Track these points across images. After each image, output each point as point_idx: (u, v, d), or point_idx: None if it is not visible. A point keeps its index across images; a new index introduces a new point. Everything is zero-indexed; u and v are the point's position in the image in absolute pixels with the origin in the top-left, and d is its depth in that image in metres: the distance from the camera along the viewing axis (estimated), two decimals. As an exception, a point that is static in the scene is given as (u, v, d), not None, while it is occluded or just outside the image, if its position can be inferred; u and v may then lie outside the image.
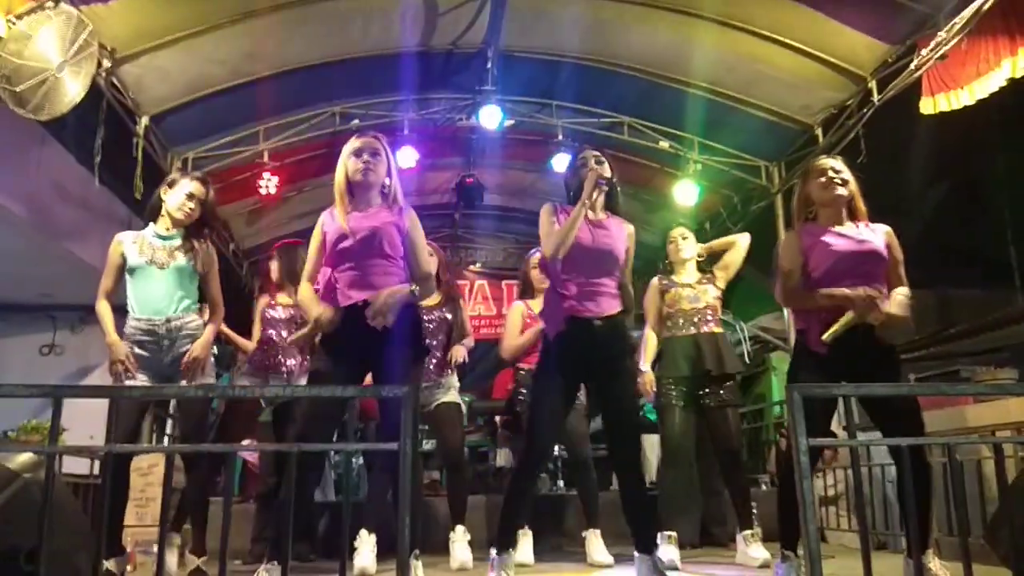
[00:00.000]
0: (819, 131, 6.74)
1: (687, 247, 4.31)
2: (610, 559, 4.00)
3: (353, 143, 3.12)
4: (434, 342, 4.23)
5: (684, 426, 4.06)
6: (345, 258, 2.98)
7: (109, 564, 2.93)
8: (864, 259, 2.92)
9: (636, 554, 3.03)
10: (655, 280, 4.33)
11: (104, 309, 3.36)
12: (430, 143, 7.56)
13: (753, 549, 3.81)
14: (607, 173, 3.25)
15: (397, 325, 2.94)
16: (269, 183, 7.18)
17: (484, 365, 10.25)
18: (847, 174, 3.04)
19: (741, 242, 4.31)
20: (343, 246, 2.97)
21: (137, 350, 3.29)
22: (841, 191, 2.99)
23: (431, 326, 4.26)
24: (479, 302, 11.25)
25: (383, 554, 3.95)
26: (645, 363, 4.22)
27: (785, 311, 7.24)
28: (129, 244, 3.40)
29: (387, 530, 4.09)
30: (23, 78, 4.68)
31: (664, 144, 7.25)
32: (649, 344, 4.30)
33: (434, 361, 4.22)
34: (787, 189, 7.17)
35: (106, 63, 5.39)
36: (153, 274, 3.34)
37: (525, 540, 4.22)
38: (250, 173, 7.27)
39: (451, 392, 4.26)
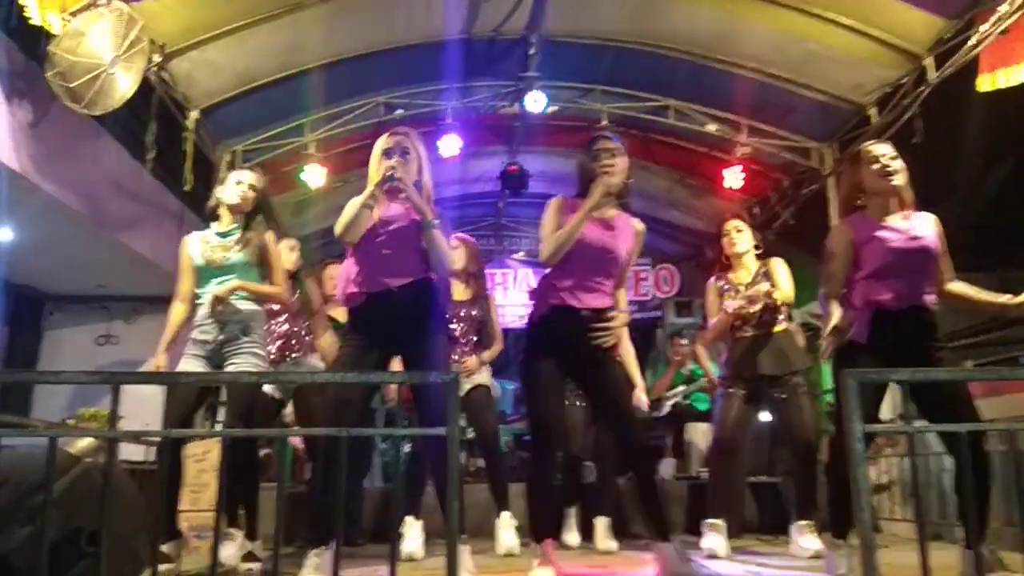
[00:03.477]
0: (872, 111, 6.54)
1: (742, 240, 4.18)
2: (615, 546, 4.14)
3: (384, 142, 3.10)
4: (460, 333, 4.24)
5: (739, 417, 4.00)
6: (376, 246, 2.98)
7: (166, 547, 3.00)
8: (916, 256, 2.86)
9: (655, 542, 2.96)
10: (713, 281, 4.22)
11: (175, 313, 3.47)
12: (473, 131, 7.55)
13: (805, 539, 3.74)
14: (618, 181, 3.10)
15: (427, 311, 2.95)
16: (316, 175, 7.27)
17: (529, 353, 10.30)
18: (899, 162, 2.94)
19: (783, 295, 4.07)
20: (374, 234, 2.98)
21: (197, 334, 3.39)
22: (896, 181, 2.91)
23: (460, 318, 4.26)
24: (523, 291, 11.24)
25: (429, 539, 4.00)
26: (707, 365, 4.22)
27: (836, 297, 7.09)
28: (193, 244, 3.50)
29: (432, 516, 4.14)
30: (77, 74, 4.80)
31: (711, 127, 7.12)
32: (700, 356, 4.31)
33: (465, 351, 4.24)
34: (839, 172, 7.00)
35: (156, 58, 5.50)
36: (213, 273, 3.42)
37: (570, 519, 4.26)
38: (297, 165, 7.36)
39: (483, 374, 4.27)
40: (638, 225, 3.19)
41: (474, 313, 4.30)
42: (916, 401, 2.82)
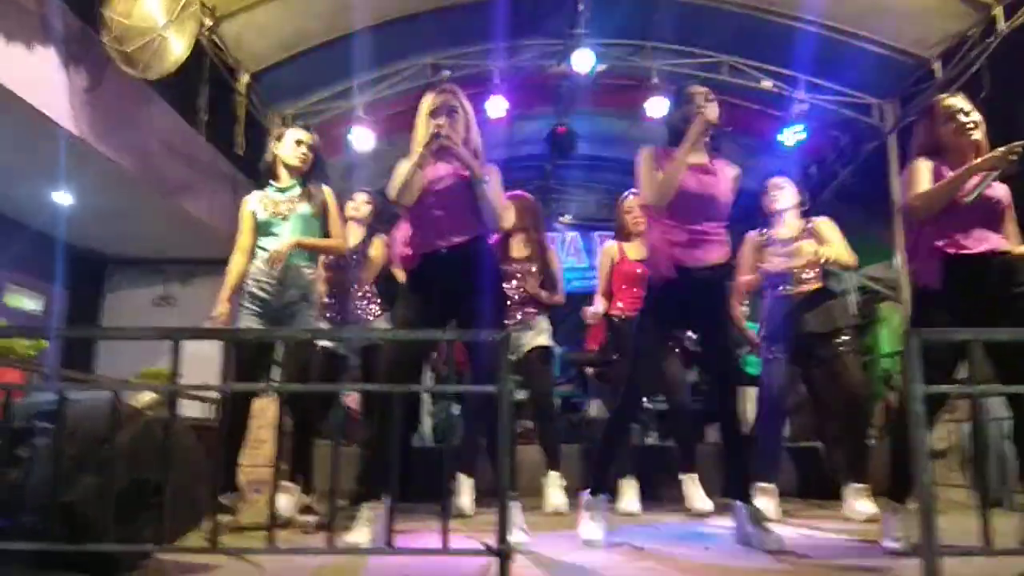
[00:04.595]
0: (937, 65, 6.28)
1: (783, 197, 4.06)
2: (710, 506, 3.95)
3: (430, 100, 3.07)
4: (519, 295, 4.23)
5: (785, 380, 3.93)
6: (426, 207, 2.98)
7: (225, 499, 3.10)
8: (987, 203, 2.73)
9: (736, 503, 2.97)
10: (753, 234, 4.11)
11: (235, 263, 3.55)
12: (520, 92, 7.46)
13: (861, 503, 3.69)
14: (715, 115, 3.08)
15: (482, 272, 2.94)
16: (364, 137, 7.29)
17: (576, 317, 10.26)
18: (977, 115, 2.81)
19: (843, 258, 3.86)
20: (424, 195, 2.97)
21: (255, 290, 3.45)
22: (976, 136, 2.78)
23: (518, 277, 4.25)
24: (571, 254, 11.19)
25: (478, 498, 4.05)
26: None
27: (895, 258, 6.89)
28: (255, 203, 3.58)
29: (481, 475, 4.19)
30: (131, 39, 4.87)
31: (767, 84, 6.92)
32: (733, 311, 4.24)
33: (523, 311, 4.23)
34: (901, 128, 6.76)
35: (207, 22, 5.54)
36: (278, 225, 3.51)
37: (631, 489, 4.22)
38: (346, 128, 7.39)
39: (542, 335, 4.25)
40: (734, 170, 3.15)
41: (534, 269, 4.29)
42: (994, 361, 2.73)
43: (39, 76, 5.01)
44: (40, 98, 5.00)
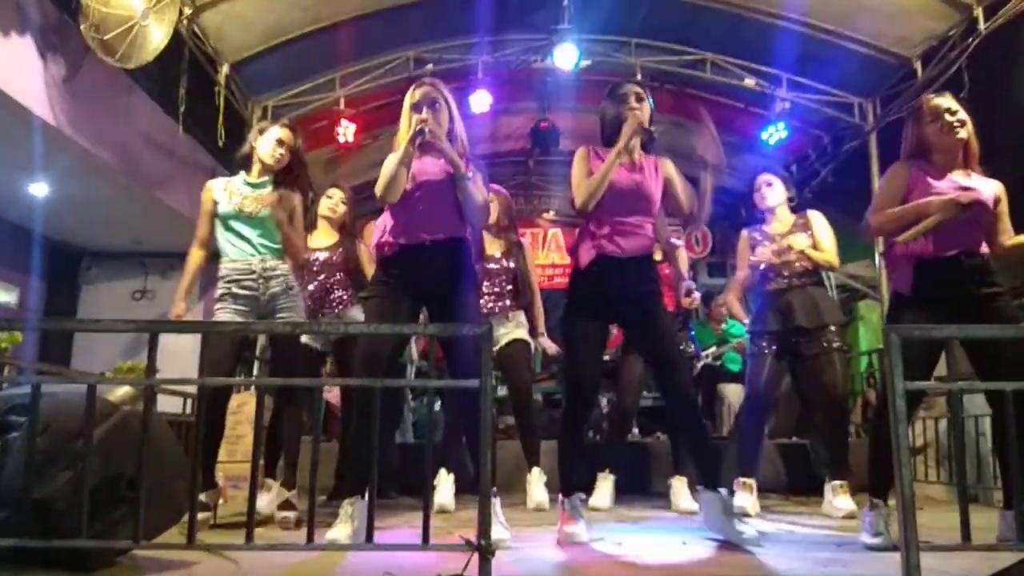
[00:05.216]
0: (918, 64, 6.34)
1: (772, 194, 4.10)
2: (695, 506, 3.95)
3: (412, 95, 3.05)
4: (496, 289, 4.22)
5: (771, 375, 3.95)
6: (411, 201, 2.95)
7: (202, 495, 3.06)
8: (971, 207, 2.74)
9: (700, 490, 2.97)
10: (745, 232, 4.15)
11: (193, 259, 3.45)
12: (504, 87, 7.45)
13: (840, 500, 3.71)
14: (647, 117, 3.06)
15: (459, 269, 2.94)
16: (346, 130, 7.25)
17: (559, 313, 10.26)
18: (963, 113, 2.82)
19: (827, 259, 3.96)
20: (409, 189, 2.95)
21: (237, 289, 3.37)
22: (962, 135, 2.80)
23: (492, 273, 4.24)
24: (553, 250, 11.17)
25: (459, 494, 4.04)
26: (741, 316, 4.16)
27: (876, 257, 6.95)
28: (220, 191, 3.47)
29: (462, 471, 4.18)
30: (110, 26, 4.79)
31: (750, 82, 6.94)
32: (732, 306, 4.26)
33: (500, 305, 4.22)
34: (882, 127, 6.81)
35: (187, 10, 5.47)
36: (242, 221, 3.41)
37: (605, 484, 4.23)
38: (328, 121, 7.34)
39: (520, 329, 4.24)
40: (666, 164, 3.13)
41: (510, 265, 4.28)
42: (973, 361, 2.76)
43: (15, 65, 4.92)
44: (15, 87, 4.91)
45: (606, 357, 4.79)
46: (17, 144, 5.48)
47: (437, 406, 5.76)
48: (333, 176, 8.30)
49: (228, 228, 3.43)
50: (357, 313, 4.10)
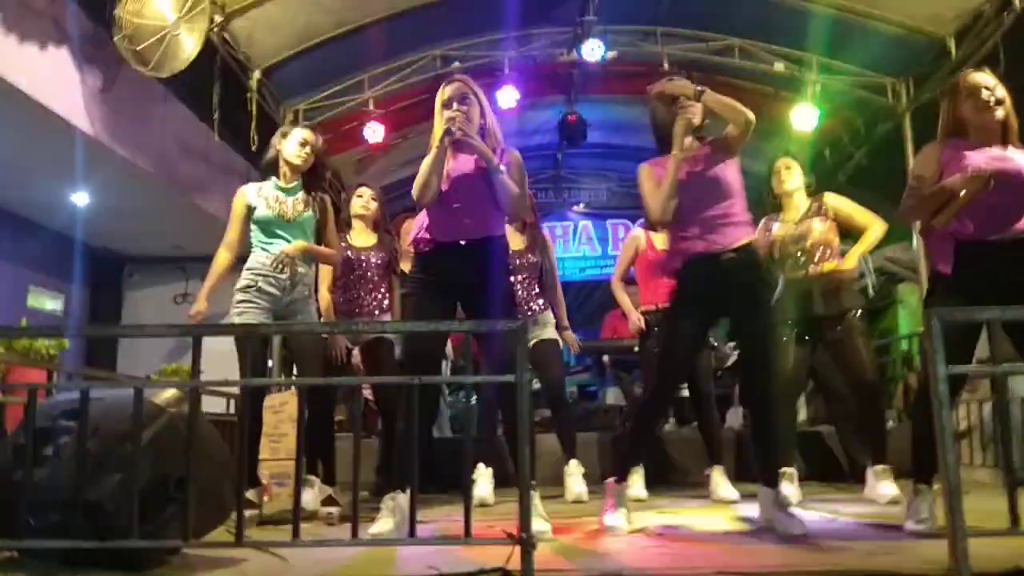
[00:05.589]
0: (951, 42, 6.19)
1: (791, 178, 4.02)
2: (735, 495, 3.94)
3: (442, 93, 3.06)
4: (522, 285, 4.23)
5: (797, 362, 3.90)
6: (446, 199, 2.97)
7: (248, 494, 3.12)
8: (1004, 181, 2.64)
9: (762, 487, 2.96)
10: (763, 221, 4.07)
11: (219, 260, 3.55)
12: (531, 81, 7.45)
13: (883, 485, 3.66)
14: (697, 115, 3.00)
15: (493, 264, 2.95)
16: (375, 131, 7.31)
17: (590, 305, 10.23)
18: (1001, 90, 2.75)
19: (876, 232, 3.87)
20: (444, 188, 2.97)
21: (263, 284, 3.47)
22: (999, 113, 2.73)
23: (518, 270, 4.25)
24: (584, 243, 11.16)
25: (497, 487, 4.06)
26: None
27: (914, 239, 6.82)
28: (253, 196, 3.56)
29: (500, 465, 4.20)
30: (143, 37, 4.90)
31: (779, 66, 6.85)
32: None
33: (528, 307, 4.23)
34: (916, 108, 6.68)
35: (217, 18, 5.56)
36: (281, 226, 3.51)
37: (636, 476, 4.22)
38: (357, 122, 7.40)
39: (548, 328, 4.26)
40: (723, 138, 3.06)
41: (533, 260, 4.28)
42: (1016, 342, 2.70)
43: (54, 77, 5.05)
44: (55, 99, 5.05)
45: (635, 348, 4.79)
46: (58, 155, 5.63)
47: (474, 400, 5.80)
48: (364, 177, 8.40)
49: (265, 231, 3.53)
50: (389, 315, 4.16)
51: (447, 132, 2.90)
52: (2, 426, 2.94)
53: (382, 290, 4.19)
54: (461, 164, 3.00)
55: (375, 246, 4.20)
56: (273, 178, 3.63)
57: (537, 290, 4.29)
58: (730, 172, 3.02)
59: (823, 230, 3.86)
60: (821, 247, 3.86)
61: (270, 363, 5.71)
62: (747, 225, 3.05)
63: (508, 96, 7.03)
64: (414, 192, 2.97)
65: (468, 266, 2.93)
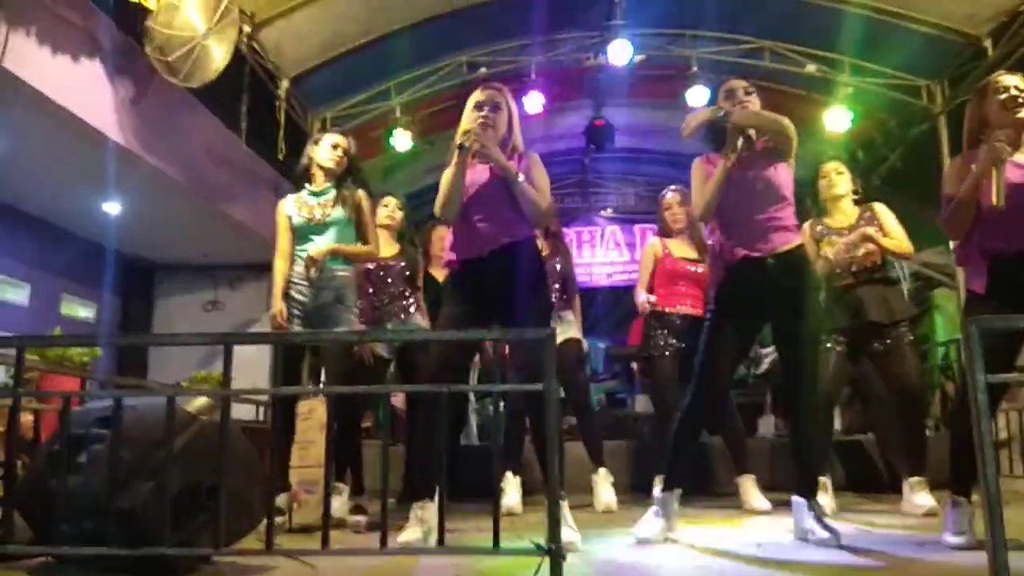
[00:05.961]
0: (987, 43, 6.08)
1: (842, 183, 3.97)
2: (767, 505, 3.88)
3: (476, 95, 3.06)
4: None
5: (836, 371, 3.83)
6: (467, 212, 2.96)
7: (278, 500, 3.13)
8: None
9: (796, 498, 2.91)
10: (807, 226, 3.99)
11: (278, 267, 3.62)
12: (557, 86, 7.44)
13: (919, 496, 3.58)
14: (755, 110, 2.98)
15: (524, 275, 2.92)
16: (401, 138, 7.34)
17: (621, 311, 10.18)
18: None
19: (903, 249, 3.82)
20: (464, 201, 2.95)
21: (293, 293, 3.52)
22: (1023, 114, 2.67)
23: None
24: (611, 248, 11.10)
25: (525, 495, 4.04)
26: None
27: (950, 244, 6.69)
28: (290, 206, 3.64)
29: (528, 473, 4.18)
30: (173, 47, 4.96)
31: (811, 68, 6.78)
32: None
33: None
34: (951, 109, 6.55)
35: (246, 28, 5.62)
36: (312, 230, 3.56)
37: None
38: (384, 129, 7.44)
39: (570, 328, 4.22)
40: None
41: (556, 266, 4.27)
42: None
43: (87, 89, 5.13)
44: (87, 110, 5.13)
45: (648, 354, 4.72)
46: (91, 165, 5.72)
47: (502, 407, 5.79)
48: (391, 184, 8.43)
49: (299, 238, 3.58)
50: (420, 320, 4.15)
51: (460, 147, 2.88)
52: (37, 433, 2.99)
53: (407, 296, 4.20)
54: (478, 174, 2.98)
55: (397, 256, 4.22)
56: (307, 185, 3.67)
57: (557, 287, 4.24)
58: (782, 176, 2.98)
59: (875, 239, 3.79)
60: (872, 255, 3.79)
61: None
62: (795, 231, 3.00)
63: (534, 101, 7.03)
64: (437, 210, 2.97)
65: (496, 276, 2.91)
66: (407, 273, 4.20)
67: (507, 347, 3.73)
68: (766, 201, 2.95)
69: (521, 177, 2.91)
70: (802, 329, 2.94)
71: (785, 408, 3.18)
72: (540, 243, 4.25)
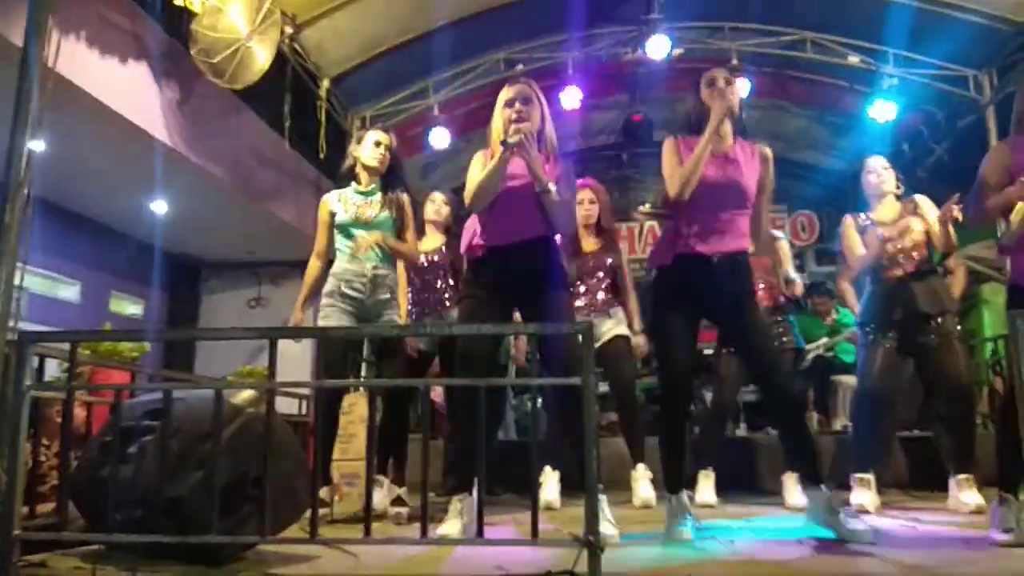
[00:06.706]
0: (1038, 31, 5.92)
1: (890, 178, 3.91)
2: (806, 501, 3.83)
3: (505, 93, 3.06)
4: (595, 286, 4.20)
5: (888, 365, 3.76)
6: (498, 203, 2.97)
7: (320, 492, 3.19)
8: None
9: (809, 490, 2.86)
10: (850, 219, 3.94)
11: (311, 270, 3.68)
12: (595, 81, 7.42)
13: (966, 494, 3.51)
14: (736, 99, 2.94)
15: (545, 266, 2.93)
16: (440, 136, 7.39)
17: (657, 307, 10.10)
18: None
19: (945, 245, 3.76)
20: (507, 187, 2.96)
21: (346, 289, 3.54)
22: None
23: (591, 271, 4.23)
24: (650, 244, 11.02)
25: (563, 491, 4.05)
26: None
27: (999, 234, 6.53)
28: (335, 203, 3.67)
29: (565, 468, 4.18)
30: (218, 49, 5.07)
31: (854, 59, 6.66)
32: (847, 293, 4.08)
33: (602, 300, 4.20)
34: (1000, 100, 6.39)
35: (288, 29, 5.72)
36: (359, 228, 3.59)
37: (707, 481, 4.15)
38: (422, 127, 7.51)
39: (620, 325, 4.21)
40: (764, 150, 3.01)
41: (607, 261, 4.26)
42: None
43: (134, 91, 5.27)
44: (135, 112, 5.26)
45: (707, 351, 4.71)
46: (139, 165, 5.87)
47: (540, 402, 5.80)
48: (429, 182, 8.50)
49: (345, 235, 3.62)
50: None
51: (504, 144, 2.89)
52: (88, 426, 3.08)
53: (449, 291, 4.27)
54: (511, 170, 2.98)
55: (436, 248, 4.31)
56: (353, 184, 3.71)
57: (608, 284, 4.24)
58: (752, 181, 2.94)
59: (921, 230, 3.75)
60: (919, 246, 3.75)
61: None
62: (747, 238, 2.95)
63: (572, 97, 7.02)
64: (467, 199, 2.98)
65: (519, 268, 2.92)
66: (447, 264, 4.28)
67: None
68: (734, 203, 2.91)
69: (552, 187, 2.91)
70: (750, 319, 2.89)
71: (761, 406, 3.13)
72: (592, 239, 4.28)
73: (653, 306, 3.03)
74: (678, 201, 2.89)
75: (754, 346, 2.92)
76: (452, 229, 4.38)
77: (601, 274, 4.24)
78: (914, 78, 6.77)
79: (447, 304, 4.25)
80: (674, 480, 2.95)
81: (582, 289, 4.22)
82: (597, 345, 4.14)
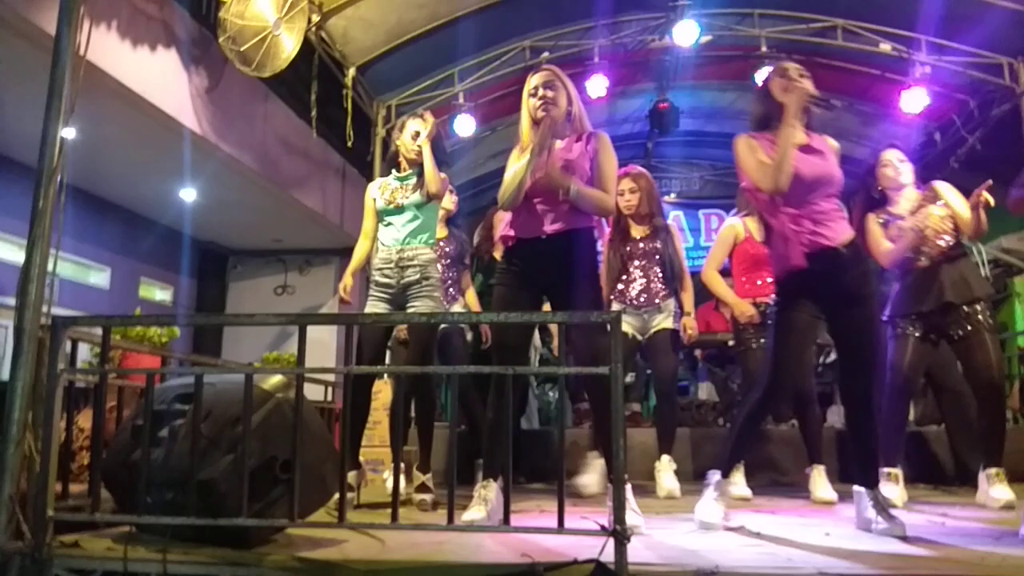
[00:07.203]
0: (1078, 16, 5.78)
1: (907, 170, 3.83)
2: (834, 496, 3.80)
3: (529, 82, 3.07)
4: (643, 272, 4.18)
5: (916, 358, 3.71)
6: (529, 194, 2.97)
7: (349, 477, 3.22)
8: None
9: (857, 488, 2.85)
10: (872, 216, 3.88)
11: (359, 248, 3.77)
12: (621, 69, 7.36)
13: (996, 489, 3.46)
14: (811, 89, 2.90)
15: (575, 258, 2.92)
16: (465, 123, 7.38)
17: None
18: None
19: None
20: (535, 180, 2.96)
21: (379, 277, 3.60)
22: None
23: (639, 259, 4.21)
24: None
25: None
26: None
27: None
28: (375, 190, 3.73)
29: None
30: (246, 38, 5.10)
31: (886, 47, 6.54)
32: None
33: (656, 290, 4.18)
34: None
35: (315, 17, 5.73)
36: (391, 212, 3.64)
37: (738, 474, 4.12)
38: (447, 116, 7.50)
39: (669, 318, 4.20)
40: (833, 143, 2.98)
41: (656, 246, 4.23)
42: None
43: (163, 79, 5.32)
44: (165, 99, 5.32)
45: (730, 343, 4.67)
46: (168, 153, 5.94)
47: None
48: (454, 170, 8.49)
49: (382, 222, 3.67)
50: (459, 304, 4.33)
51: (540, 146, 2.88)
52: (120, 409, 3.13)
53: (451, 280, 4.40)
54: (556, 158, 2.98)
55: (445, 239, 4.38)
56: (394, 170, 3.75)
57: (660, 277, 4.22)
58: (838, 170, 2.91)
59: (941, 216, 3.68)
60: (941, 233, 3.67)
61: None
62: (846, 219, 2.92)
63: (598, 85, 6.97)
64: (501, 199, 2.98)
65: (550, 259, 2.92)
66: (457, 254, 4.42)
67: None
68: (828, 192, 2.87)
69: (573, 187, 2.89)
70: (865, 316, 2.84)
71: (844, 396, 3.07)
72: (639, 227, 4.26)
73: (778, 304, 2.98)
74: (777, 195, 2.83)
75: (859, 341, 2.87)
76: (454, 220, 4.52)
77: (647, 260, 4.21)
78: (947, 66, 6.63)
79: (451, 294, 4.38)
80: (734, 464, 3.02)
81: (636, 275, 4.21)
82: (644, 337, 4.16)
